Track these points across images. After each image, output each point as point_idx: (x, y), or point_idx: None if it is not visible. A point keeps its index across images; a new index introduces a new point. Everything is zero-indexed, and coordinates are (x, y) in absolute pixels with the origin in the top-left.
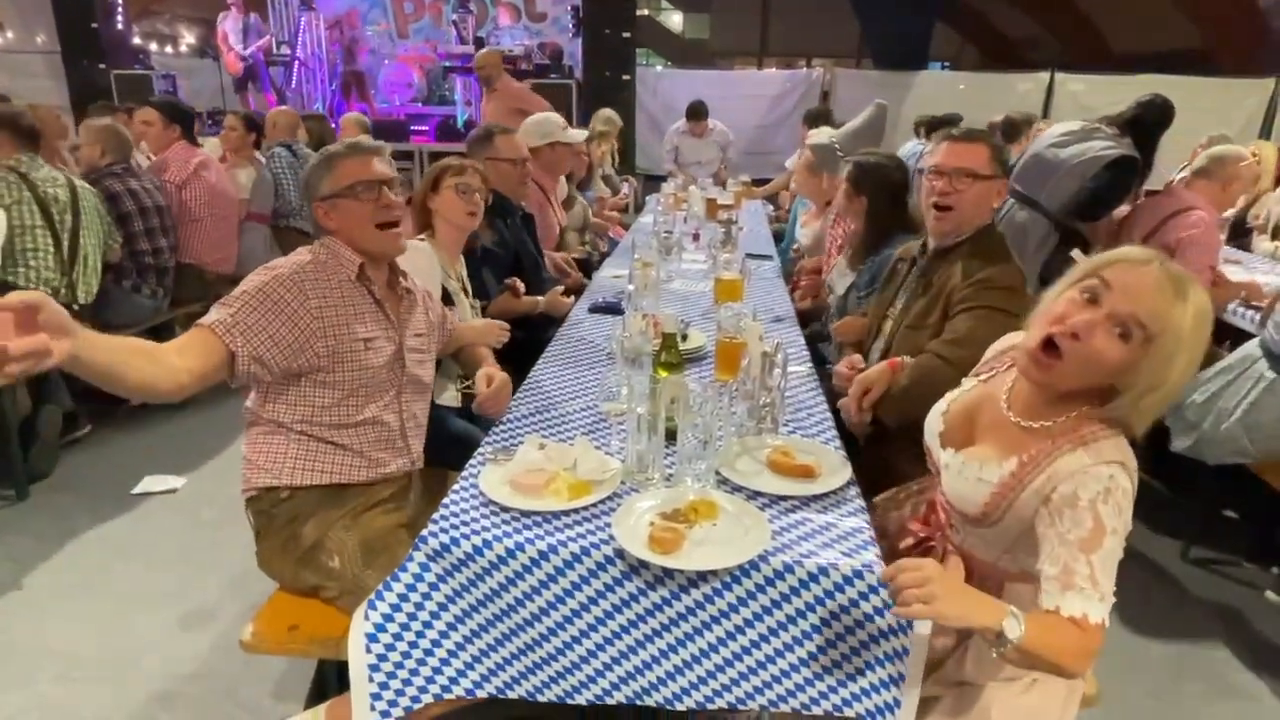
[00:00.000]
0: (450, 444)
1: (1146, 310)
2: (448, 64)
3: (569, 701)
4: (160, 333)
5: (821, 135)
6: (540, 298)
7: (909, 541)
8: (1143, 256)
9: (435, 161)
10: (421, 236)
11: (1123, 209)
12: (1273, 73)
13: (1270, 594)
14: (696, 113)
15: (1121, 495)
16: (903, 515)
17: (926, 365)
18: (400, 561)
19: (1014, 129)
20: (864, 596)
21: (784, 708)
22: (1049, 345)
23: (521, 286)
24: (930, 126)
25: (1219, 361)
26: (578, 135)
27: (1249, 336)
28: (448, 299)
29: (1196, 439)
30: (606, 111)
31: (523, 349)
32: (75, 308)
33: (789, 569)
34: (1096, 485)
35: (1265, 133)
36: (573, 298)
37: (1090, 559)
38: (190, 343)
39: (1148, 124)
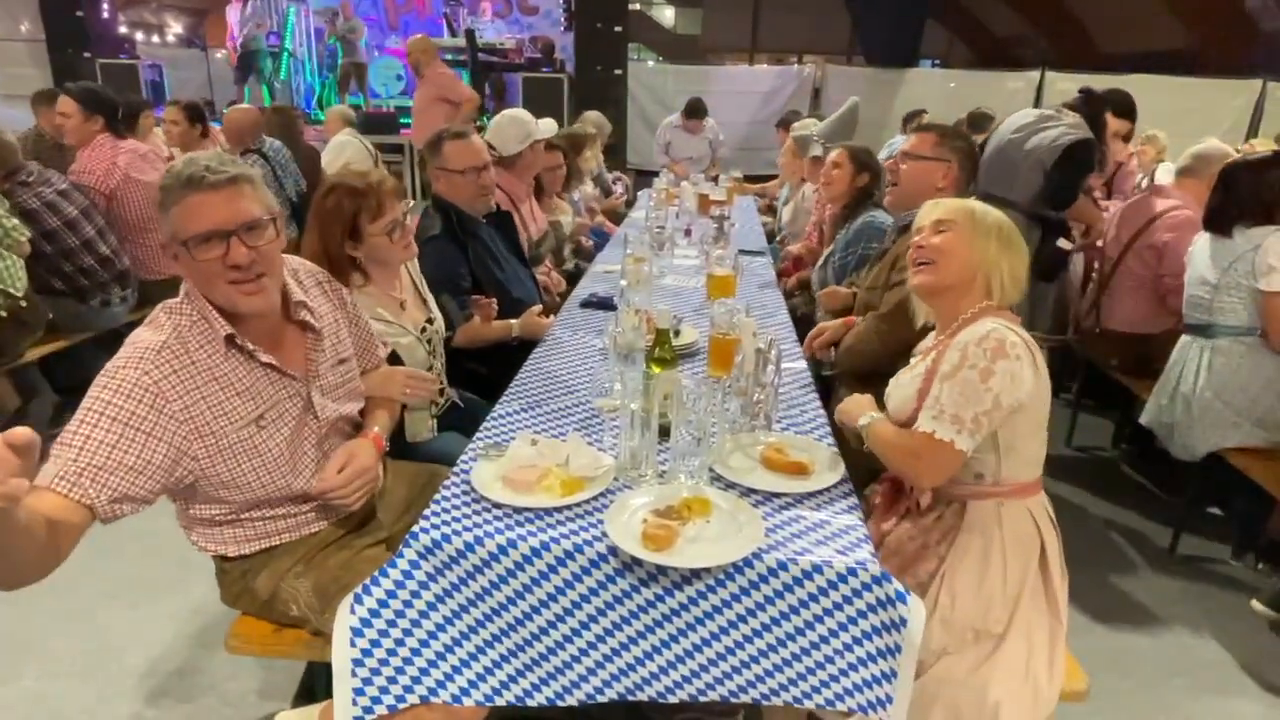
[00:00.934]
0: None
1: (940, 212)
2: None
3: (558, 704)
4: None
5: (808, 127)
6: (514, 321)
7: (885, 486)
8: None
9: (330, 184)
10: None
11: (1116, 206)
12: (1259, 74)
13: (1255, 604)
14: (695, 110)
15: (998, 342)
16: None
17: (862, 332)
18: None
19: (982, 120)
20: (857, 594)
21: (776, 702)
22: (918, 265)
23: (494, 307)
24: (906, 121)
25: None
26: (548, 126)
27: None
28: (395, 359)
29: (1178, 433)
30: (594, 114)
31: (494, 386)
32: (22, 304)
33: (783, 566)
34: (978, 332)
35: (1252, 133)
36: (552, 317)
37: (945, 386)
38: (37, 510)
39: (1098, 104)
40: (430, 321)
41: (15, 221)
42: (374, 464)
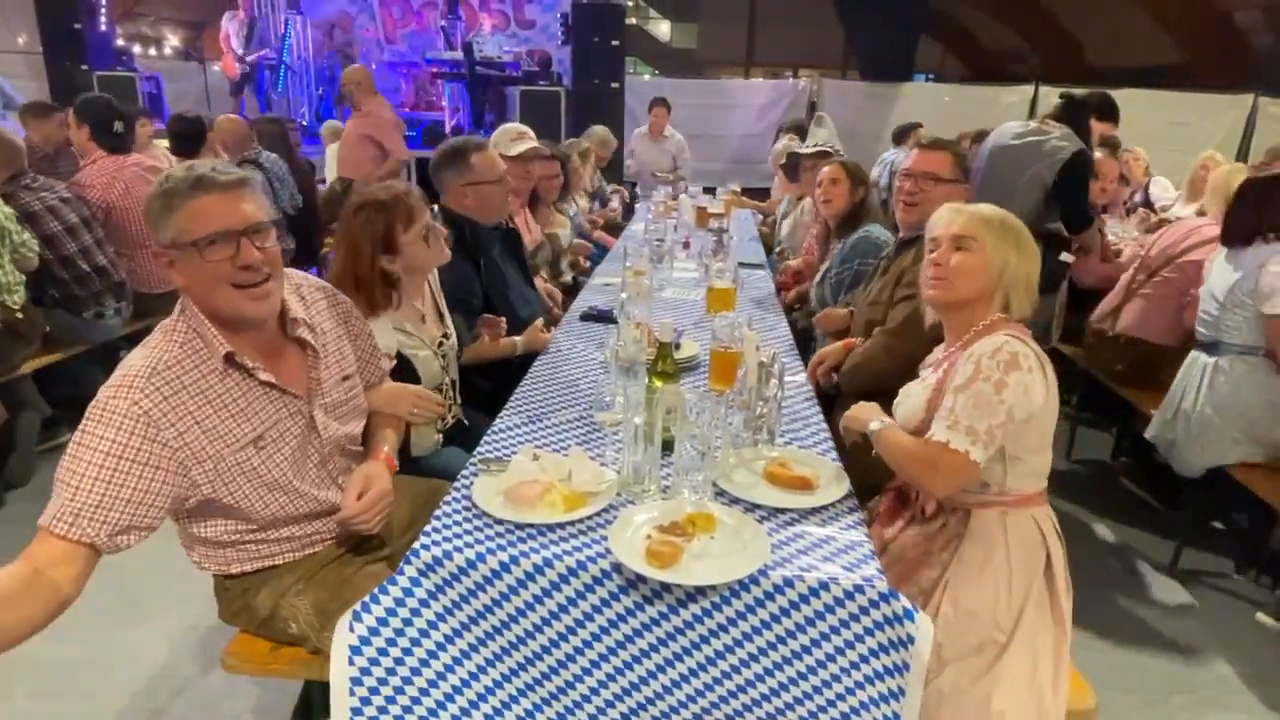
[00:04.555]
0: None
1: (959, 226)
2: (435, 70)
3: None
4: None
5: (787, 154)
6: (518, 338)
7: (890, 495)
8: (937, 210)
9: (357, 203)
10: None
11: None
12: (1251, 88)
13: (1261, 615)
14: (663, 100)
15: (1011, 355)
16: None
17: (870, 349)
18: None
19: (982, 137)
20: (864, 611)
21: None
22: (934, 280)
23: (503, 326)
24: (900, 134)
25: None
26: (520, 148)
27: None
28: (411, 371)
29: (1179, 449)
30: (600, 129)
31: (496, 401)
32: (18, 316)
33: (789, 583)
34: (990, 345)
35: (1244, 147)
36: (553, 330)
37: (959, 398)
38: (40, 553)
39: (1081, 110)
40: (446, 337)
41: (27, 236)
42: (390, 487)
